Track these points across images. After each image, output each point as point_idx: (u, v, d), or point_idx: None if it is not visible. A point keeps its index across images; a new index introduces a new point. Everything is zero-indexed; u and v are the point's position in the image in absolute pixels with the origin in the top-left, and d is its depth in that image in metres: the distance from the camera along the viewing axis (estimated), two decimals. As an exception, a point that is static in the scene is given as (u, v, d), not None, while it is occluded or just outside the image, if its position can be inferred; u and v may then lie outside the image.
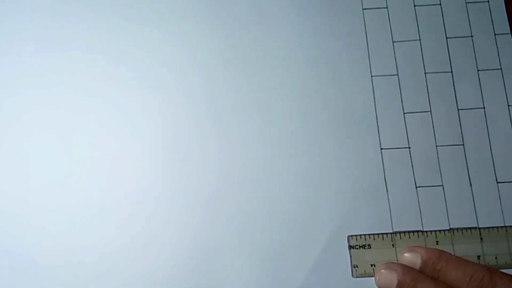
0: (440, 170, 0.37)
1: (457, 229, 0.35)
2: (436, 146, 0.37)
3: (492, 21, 0.39)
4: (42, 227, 0.35)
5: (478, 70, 0.39)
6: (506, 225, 0.35)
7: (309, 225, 0.36)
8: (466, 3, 0.40)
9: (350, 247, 0.35)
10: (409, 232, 0.35)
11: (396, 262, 0.35)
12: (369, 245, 0.35)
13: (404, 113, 0.38)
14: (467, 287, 0.32)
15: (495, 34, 0.39)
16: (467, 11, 0.40)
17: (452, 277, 0.33)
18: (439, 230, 0.35)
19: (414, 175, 0.37)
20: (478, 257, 0.35)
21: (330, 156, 0.37)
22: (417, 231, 0.35)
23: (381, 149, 0.37)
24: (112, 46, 0.39)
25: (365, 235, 0.35)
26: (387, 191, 0.36)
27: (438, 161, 0.37)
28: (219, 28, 0.39)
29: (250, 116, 0.38)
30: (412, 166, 0.37)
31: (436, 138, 0.37)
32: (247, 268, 0.35)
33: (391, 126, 0.38)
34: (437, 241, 0.35)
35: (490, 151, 0.37)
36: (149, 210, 0.36)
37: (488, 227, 0.35)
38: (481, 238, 0.35)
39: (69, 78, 0.38)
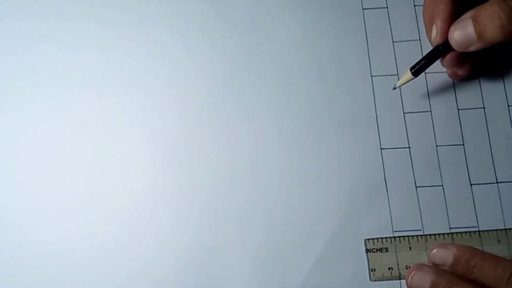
0: (440, 170, 0.37)
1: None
2: (436, 146, 0.37)
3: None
4: (42, 228, 0.35)
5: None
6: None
7: (309, 225, 0.36)
8: (466, 3, 0.40)
9: (367, 250, 0.35)
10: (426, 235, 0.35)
11: (427, 264, 0.34)
12: (386, 248, 0.35)
13: (404, 113, 0.38)
14: (507, 284, 0.31)
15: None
16: (467, 11, 0.40)
17: (489, 274, 0.31)
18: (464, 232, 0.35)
19: (414, 175, 0.37)
20: None
21: (330, 156, 0.37)
22: (435, 235, 0.35)
23: (381, 149, 0.37)
24: (113, 45, 0.39)
25: (381, 238, 0.35)
26: (387, 191, 0.36)
27: (438, 161, 0.37)
28: (219, 28, 0.39)
29: (251, 116, 0.38)
30: (412, 166, 0.37)
31: (436, 138, 0.37)
32: (247, 268, 0.35)
33: (391, 126, 0.38)
34: None
35: (490, 151, 0.37)
36: (150, 211, 0.36)
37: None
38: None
39: (69, 78, 0.38)
